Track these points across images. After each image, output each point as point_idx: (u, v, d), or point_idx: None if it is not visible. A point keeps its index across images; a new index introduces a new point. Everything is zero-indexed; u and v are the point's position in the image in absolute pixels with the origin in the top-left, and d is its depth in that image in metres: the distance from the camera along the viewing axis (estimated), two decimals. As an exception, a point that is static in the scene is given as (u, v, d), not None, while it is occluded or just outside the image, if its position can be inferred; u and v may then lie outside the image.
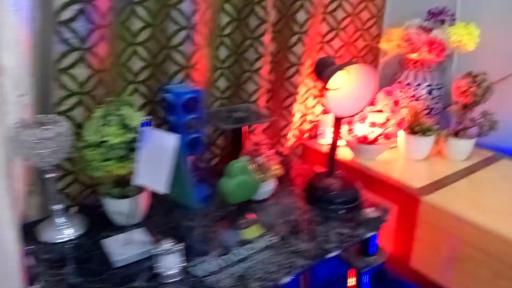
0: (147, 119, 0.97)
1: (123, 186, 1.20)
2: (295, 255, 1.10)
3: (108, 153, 1.09)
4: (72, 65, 1.12)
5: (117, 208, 1.17)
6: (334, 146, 1.34)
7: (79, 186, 1.30)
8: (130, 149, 1.11)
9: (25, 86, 1.05)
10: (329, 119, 1.87)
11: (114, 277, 1.02)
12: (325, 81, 1.12)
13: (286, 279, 1.03)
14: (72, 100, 1.16)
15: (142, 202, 1.20)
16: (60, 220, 1.17)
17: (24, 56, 1.01)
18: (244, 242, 1.15)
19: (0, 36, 0.96)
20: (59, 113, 1.15)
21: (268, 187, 1.32)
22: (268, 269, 1.05)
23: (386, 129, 1.61)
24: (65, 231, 1.16)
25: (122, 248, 1.09)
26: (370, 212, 1.30)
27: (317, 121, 1.92)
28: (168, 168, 0.97)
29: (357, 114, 1.30)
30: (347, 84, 1.22)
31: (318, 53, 1.75)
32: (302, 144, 1.88)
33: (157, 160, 0.98)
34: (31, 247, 1.13)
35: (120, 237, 1.13)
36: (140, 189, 1.20)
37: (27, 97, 1.06)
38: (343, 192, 1.33)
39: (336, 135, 1.32)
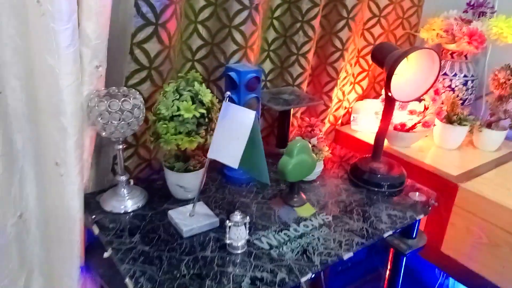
0: (228, 95, 1.00)
1: (184, 160, 1.24)
2: (351, 233, 1.16)
3: (179, 127, 1.12)
4: (146, 40, 1.14)
5: (179, 181, 1.21)
6: (383, 130, 1.38)
7: (137, 160, 1.33)
8: (199, 124, 1.14)
9: (102, 57, 1.07)
10: (363, 106, 1.92)
11: (183, 246, 1.07)
12: (391, 66, 1.16)
13: (349, 254, 1.08)
14: (142, 74, 1.19)
15: (201, 177, 1.24)
16: (124, 191, 1.21)
17: (104, 27, 1.03)
18: (299, 220, 1.20)
19: (84, 6, 0.98)
20: (128, 87, 1.18)
21: (318, 168, 1.37)
22: (327, 245, 1.10)
23: (424, 117, 1.66)
24: (128, 202, 1.20)
25: (188, 219, 1.13)
26: (416, 196, 1.35)
27: (350, 107, 1.96)
28: (243, 143, 1.01)
29: (417, 98, 1.34)
30: (409, 68, 1.26)
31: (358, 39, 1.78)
32: (335, 130, 1.93)
33: (233, 136, 1.02)
34: (97, 216, 1.17)
35: (184, 209, 1.17)
36: (200, 164, 1.24)
37: (102, 68, 1.08)
38: (389, 176, 1.38)
39: (388, 119, 1.36)
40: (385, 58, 1.23)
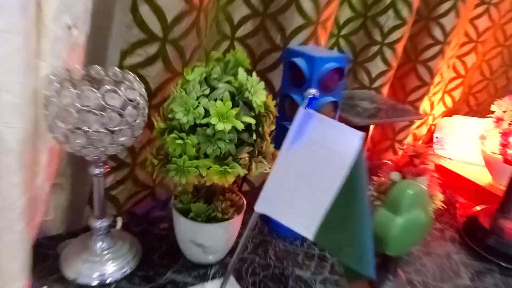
0: (313, 94, 0.49)
1: (208, 199, 0.73)
2: None
3: (205, 146, 0.61)
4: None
5: (196, 236, 0.71)
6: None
7: (132, 187, 0.83)
8: (240, 141, 0.64)
9: (79, 12, 0.57)
10: (452, 124, 1.40)
11: None
12: None
13: None
14: (150, 49, 0.69)
15: (233, 230, 0.74)
16: (100, 245, 0.71)
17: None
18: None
19: None
20: (125, 68, 0.68)
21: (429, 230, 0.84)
22: None
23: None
24: (107, 266, 0.70)
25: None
26: None
27: (434, 124, 1.43)
28: (331, 195, 0.50)
29: None
30: None
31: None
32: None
33: (312, 178, 0.51)
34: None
35: None
36: (235, 208, 0.73)
37: (79, 32, 0.58)
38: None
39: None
40: None
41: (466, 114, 1.47)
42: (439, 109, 1.42)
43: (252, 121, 0.63)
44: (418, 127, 1.36)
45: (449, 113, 1.44)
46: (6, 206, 0.61)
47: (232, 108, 0.60)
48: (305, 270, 0.77)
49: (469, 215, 0.97)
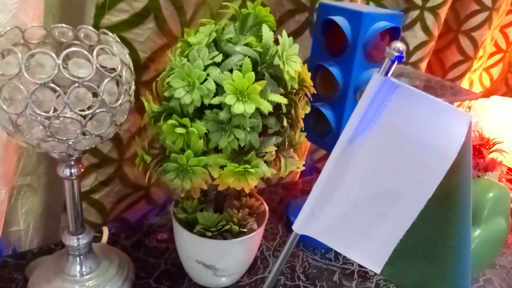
0: (401, 50, 0.31)
1: (218, 206, 0.55)
2: None
3: (216, 137, 0.43)
4: None
5: (202, 256, 0.53)
6: None
7: (121, 188, 0.65)
8: (265, 129, 0.46)
9: None
10: (491, 106, 1.21)
11: None
12: None
13: None
14: (138, 3, 0.50)
15: (253, 246, 0.56)
16: (77, 268, 0.53)
17: None
18: None
19: None
20: (102, 28, 0.49)
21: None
22: None
23: None
24: (87, 292, 0.52)
25: None
26: None
27: (469, 106, 1.25)
28: (420, 206, 0.32)
29: None
30: None
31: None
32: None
33: (391, 180, 0.33)
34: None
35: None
36: (255, 217, 0.56)
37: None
38: None
39: None
40: None
41: (504, 94, 1.29)
42: (476, 88, 1.24)
43: (284, 101, 0.45)
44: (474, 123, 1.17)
45: (486, 93, 1.26)
46: None
47: (255, 81, 0.42)
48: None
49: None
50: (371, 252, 0.35)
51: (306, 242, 0.68)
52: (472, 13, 0.98)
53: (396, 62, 0.32)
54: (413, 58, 0.94)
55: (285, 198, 0.80)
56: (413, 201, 0.33)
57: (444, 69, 1.05)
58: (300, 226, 0.38)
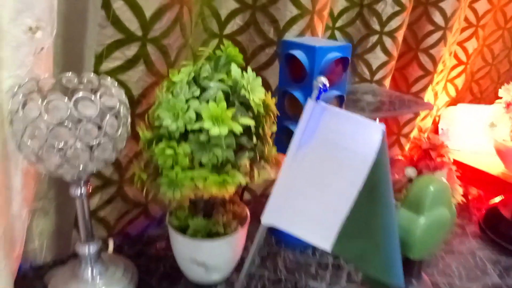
0: (323, 83, 0.42)
1: (207, 212, 0.65)
2: None
3: (199, 155, 0.54)
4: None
5: (197, 254, 0.63)
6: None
7: (122, 206, 0.75)
8: (239, 147, 0.56)
9: (41, 11, 0.50)
10: (457, 113, 1.33)
11: None
12: None
13: None
14: (129, 51, 0.61)
15: (238, 245, 0.66)
16: (89, 273, 0.63)
17: None
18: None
19: None
20: (102, 74, 0.61)
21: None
22: None
23: None
24: (98, 293, 0.62)
25: None
26: None
27: (438, 115, 1.37)
28: (353, 197, 0.43)
29: None
30: None
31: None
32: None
33: (328, 179, 0.44)
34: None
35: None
36: (238, 221, 0.66)
37: (43, 33, 0.51)
38: None
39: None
40: None
41: (470, 102, 1.41)
42: (442, 99, 1.35)
43: (251, 123, 0.56)
44: (423, 119, 1.29)
45: (452, 102, 1.38)
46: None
47: (227, 109, 0.53)
48: (320, 282, 0.70)
49: (489, 208, 0.90)
50: (321, 234, 0.46)
51: (286, 241, 0.78)
52: (428, 33, 1.10)
53: (322, 92, 0.43)
54: (377, 77, 1.05)
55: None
56: (348, 192, 0.44)
57: (408, 84, 1.17)
58: (266, 218, 0.49)
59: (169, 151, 0.54)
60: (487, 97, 1.42)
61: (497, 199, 0.94)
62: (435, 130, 1.37)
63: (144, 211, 0.80)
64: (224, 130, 0.53)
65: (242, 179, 0.57)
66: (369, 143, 0.42)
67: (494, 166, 1.18)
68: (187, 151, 0.54)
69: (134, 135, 0.61)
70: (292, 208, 0.47)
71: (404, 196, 0.63)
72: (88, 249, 0.62)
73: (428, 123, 1.32)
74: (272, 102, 0.60)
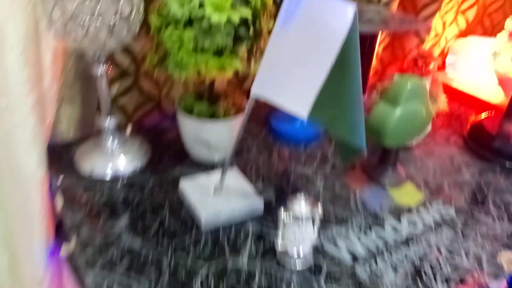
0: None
1: (211, 101, 0.75)
2: (493, 241, 0.65)
3: (202, 40, 0.63)
4: None
5: (201, 134, 0.73)
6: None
7: (138, 97, 0.86)
8: (237, 37, 0.65)
9: None
10: (466, 46, 1.36)
11: (200, 246, 0.61)
12: None
13: (498, 284, 0.59)
14: None
15: (236, 128, 0.76)
16: (110, 144, 0.74)
17: None
18: (398, 211, 0.70)
19: None
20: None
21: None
22: (456, 262, 0.60)
23: None
24: (118, 161, 0.73)
25: (211, 199, 0.66)
26: None
27: (447, 47, 1.40)
28: (326, 69, 0.51)
29: None
30: None
31: None
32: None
33: (303, 55, 0.52)
34: (65, 181, 0.72)
35: (206, 179, 0.70)
36: (237, 109, 0.75)
37: None
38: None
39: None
40: None
41: (481, 35, 1.43)
42: (452, 31, 1.38)
43: (248, 14, 0.63)
44: (430, 48, 1.33)
45: (462, 35, 1.40)
46: (16, 103, 0.65)
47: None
48: (308, 168, 0.79)
49: (475, 122, 0.97)
50: (300, 102, 0.54)
51: (283, 139, 0.88)
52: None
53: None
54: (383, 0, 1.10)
55: (269, 111, 0.98)
56: (323, 66, 0.52)
57: (416, 9, 1.21)
58: (255, 89, 0.58)
59: (175, 36, 0.63)
60: (499, 31, 1.43)
61: (483, 115, 1.00)
62: (443, 63, 1.41)
63: (158, 105, 0.90)
64: (223, 17, 0.61)
65: (239, 65, 0.65)
66: (342, 22, 0.49)
67: (496, 98, 1.22)
68: (192, 36, 0.63)
69: (147, 33, 0.69)
70: (277, 80, 0.56)
71: (385, 91, 0.71)
72: (108, 121, 0.73)
73: (435, 53, 1.36)
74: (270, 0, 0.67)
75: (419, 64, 0.81)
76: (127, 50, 0.80)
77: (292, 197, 0.56)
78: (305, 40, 0.53)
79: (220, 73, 0.65)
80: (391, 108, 0.69)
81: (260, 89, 0.57)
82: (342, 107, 0.54)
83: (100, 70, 0.68)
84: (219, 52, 0.65)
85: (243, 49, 0.67)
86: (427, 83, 0.79)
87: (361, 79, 0.54)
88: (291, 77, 0.55)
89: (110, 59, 0.74)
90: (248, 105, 0.59)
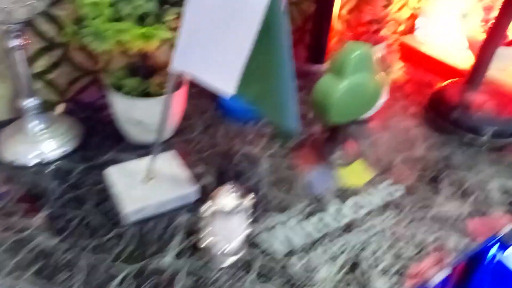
0: None
1: (146, 75, 0.68)
2: (442, 224, 0.62)
3: (122, 7, 0.55)
4: None
5: (132, 112, 0.67)
6: (496, 38, 0.79)
7: (71, 70, 0.78)
8: (163, 1, 0.57)
9: None
10: (438, 7, 1.29)
11: (123, 242, 0.55)
12: None
13: (437, 277, 0.55)
14: None
15: (175, 106, 0.70)
16: (36, 126, 0.68)
17: None
18: (345, 192, 0.66)
19: None
20: None
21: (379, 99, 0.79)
22: (399, 251, 0.57)
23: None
24: (43, 145, 0.67)
25: (139, 187, 0.60)
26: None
27: (418, 8, 1.33)
28: (250, 41, 0.44)
29: None
30: None
31: None
32: (397, 41, 1.31)
33: (227, 25, 0.46)
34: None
35: (136, 165, 0.64)
36: (174, 85, 0.69)
37: None
38: (497, 117, 0.81)
39: (508, 20, 0.76)
40: None
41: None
42: (424, -9, 1.30)
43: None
44: (399, 9, 1.26)
45: (434, -4, 1.32)
46: None
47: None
48: (254, 147, 0.74)
49: (436, 90, 0.92)
50: (225, 78, 0.48)
51: (232, 115, 0.82)
52: None
53: None
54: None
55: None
56: (246, 36, 0.45)
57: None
58: (176, 64, 0.51)
59: (93, 2, 0.56)
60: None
61: (447, 82, 0.95)
62: (413, 24, 1.34)
63: (95, 79, 0.83)
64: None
65: (165, 34, 0.58)
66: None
67: (465, 61, 1.17)
68: (108, 1, 0.55)
69: None
70: (198, 54, 0.49)
71: (331, 62, 0.65)
72: (28, 103, 0.66)
73: (404, 15, 1.29)
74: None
75: (373, 29, 0.74)
76: (52, 18, 0.72)
77: (219, 189, 0.50)
78: (224, 7, 0.46)
79: (145, 44, 0.58)
80: (335, 81, 0.63)
81: (181, 64, 0.51)
82: (271, 82, 0.48)
83: (14, 43, 0.61)
84: (141, 19, 0.58)
85: (171, 15, 0.59)
86: (378, 51, 0.73)
87: (290, 50, 0.47)
88: (213, 50, 0.49)
89: (28, 30, 0.66)
90: (170, 83, 0.53)
